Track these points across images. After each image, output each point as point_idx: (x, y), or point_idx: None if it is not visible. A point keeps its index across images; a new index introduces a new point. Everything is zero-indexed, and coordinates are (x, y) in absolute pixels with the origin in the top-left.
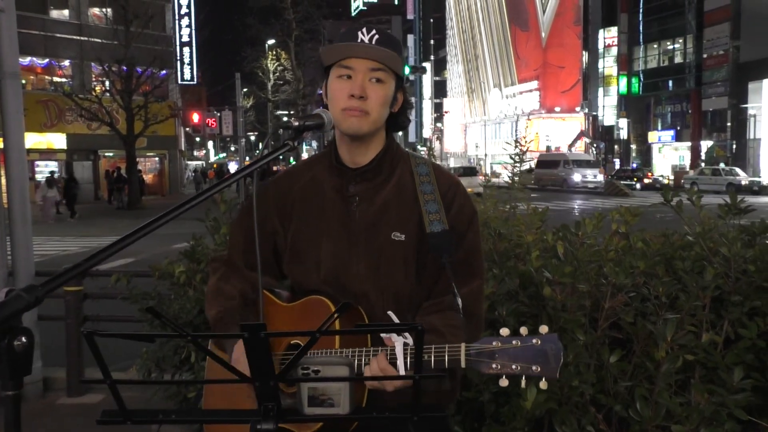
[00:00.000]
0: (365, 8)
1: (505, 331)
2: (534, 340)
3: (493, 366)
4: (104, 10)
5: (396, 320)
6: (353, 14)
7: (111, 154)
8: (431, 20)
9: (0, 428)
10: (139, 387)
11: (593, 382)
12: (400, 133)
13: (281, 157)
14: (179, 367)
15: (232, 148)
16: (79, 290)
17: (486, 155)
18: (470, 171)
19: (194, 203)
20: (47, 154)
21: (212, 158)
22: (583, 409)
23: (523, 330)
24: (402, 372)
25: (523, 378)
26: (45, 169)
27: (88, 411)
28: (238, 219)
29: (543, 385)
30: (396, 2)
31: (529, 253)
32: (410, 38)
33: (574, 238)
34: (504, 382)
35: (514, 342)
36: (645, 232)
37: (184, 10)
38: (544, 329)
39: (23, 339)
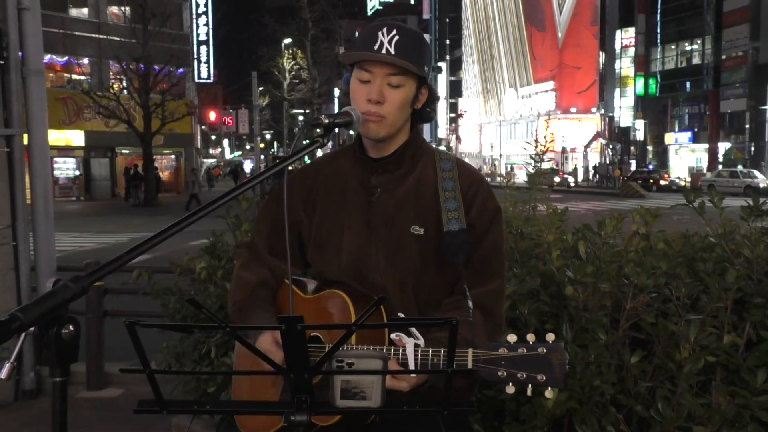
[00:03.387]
0: (381, 8)
1: (512, 338)
2: (540, 349)
3: (499, 373)
4: (123, 8)
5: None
6: (369, 14)
7: (128, 152)
8: (447, 20)
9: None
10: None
11: (614, 382)
12: None
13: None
14: (198, 362)
15: (248, 147)
16: (99, 285)
17: (501, 155)
18: None
19: (229, 198)
20: (65, 151)
21: (227, 156)
22: (603, 409)
23: (530, 337)
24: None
25: (529, 386)
26: (63, 165)
27: (108, 405)
28: (265, 207)
29: (548, 393)
30: (412, 2)
31: (549, 253)
32: (426, 38)
33: (596, 238)
34: (510, 389)
35: (520, 350)
36: (665, 233)
37: (201, 9)
38: (550, 337)
39: (70, 327)
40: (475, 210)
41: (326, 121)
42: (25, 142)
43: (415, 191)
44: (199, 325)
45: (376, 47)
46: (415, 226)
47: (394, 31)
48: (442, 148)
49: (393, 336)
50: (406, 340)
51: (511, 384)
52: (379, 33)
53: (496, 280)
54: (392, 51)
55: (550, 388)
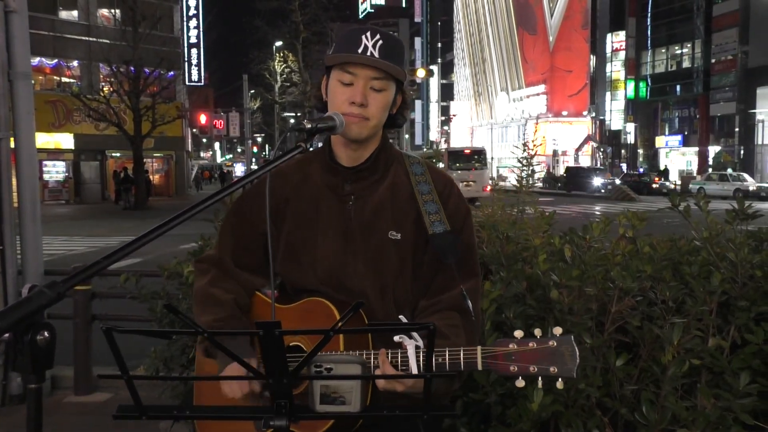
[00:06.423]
0: (372, 11)
1: (519, 333)
2: (550, 342)
3: (511, 368)
4: (113, 11)
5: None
6: (361, 17)
7: (118, 155)
8: (439, 23)
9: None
10: (146, 387)
11: (599, 385)
12: (407, 136)
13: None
14: (186, 366)
15: (239, 150)
16: (87, 289)
17: (492, 158)
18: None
19: (211, 202)
20: (55, 154)
21: (218, 159)
22: (589, 412)
23: (537, 332)
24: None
25: (540, 379)
26: (53, 169)
27: (96, 409)
28: (226, 220)
29: (560, 384)
30: (404, 5)
31: (536, 257)
32: (417, 41)
33: (582, 241)
34: (521, 383)
35: (530, 344)
36: (652, 237)
37: (192, 12)
38: (558, 330)
39: (45, 334)
40: (449, 211)
41: (309, 125)
42: (13, 145)
43: (391, 196)
44: (176, 330)
45: (360, 50)
46: (392, 231)
47: (378, 36)
48: (432, 151)
49: (396, 338)
50: (407, 342)
51: (521, 378)
52: (363, 37)
53: (472, 279)
54: (377, 55)
55: (560, 380)
